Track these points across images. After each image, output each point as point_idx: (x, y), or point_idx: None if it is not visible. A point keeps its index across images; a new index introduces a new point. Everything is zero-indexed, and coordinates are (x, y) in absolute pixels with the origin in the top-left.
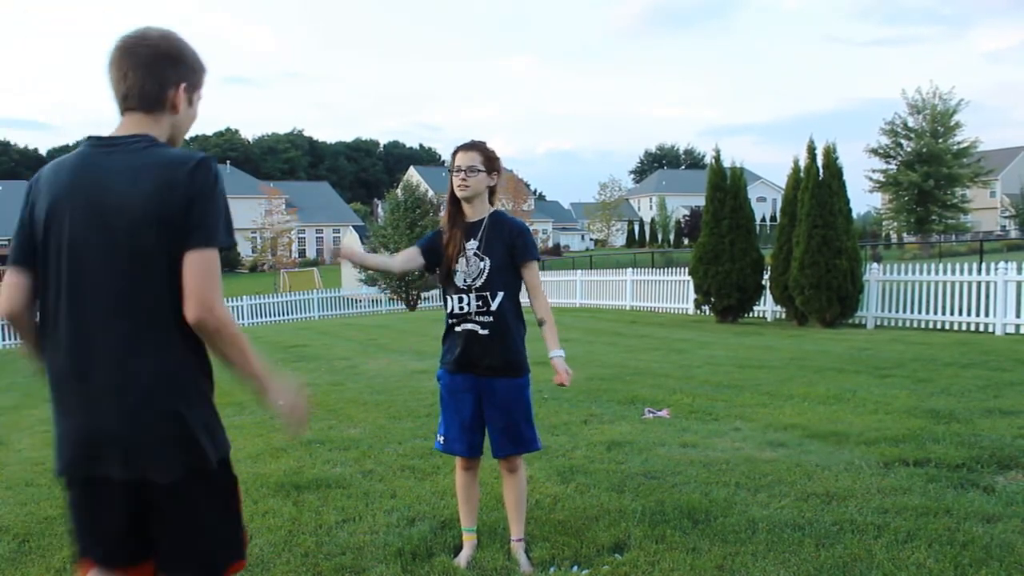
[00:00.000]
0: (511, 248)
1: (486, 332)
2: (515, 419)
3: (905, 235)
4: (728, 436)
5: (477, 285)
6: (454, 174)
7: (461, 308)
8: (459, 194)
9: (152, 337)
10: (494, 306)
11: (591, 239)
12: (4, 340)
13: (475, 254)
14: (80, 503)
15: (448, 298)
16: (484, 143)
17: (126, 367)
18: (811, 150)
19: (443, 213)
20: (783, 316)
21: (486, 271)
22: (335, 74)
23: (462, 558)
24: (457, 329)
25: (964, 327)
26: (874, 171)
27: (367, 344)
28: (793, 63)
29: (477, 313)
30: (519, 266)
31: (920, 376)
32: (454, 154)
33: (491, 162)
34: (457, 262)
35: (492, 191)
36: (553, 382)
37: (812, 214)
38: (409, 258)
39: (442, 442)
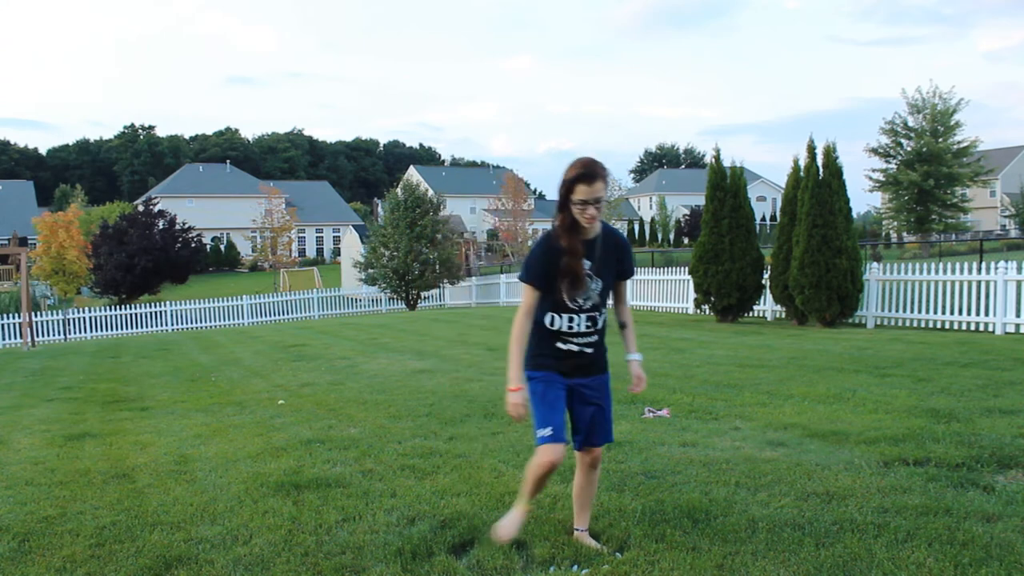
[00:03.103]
0: (619, 267)
1: (591, 351)
2: (607, 412)
3: (905, 234)
4: (728, 435)
5: (588, 306)
6: (579, 207)
7: (569, 327)
8: (587, 227)
9: None
10: (600, 324)
11: None
12: (4, 340)
13: (587, 275)
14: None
15: (552, 315)
16: (601, 165)
17: None
18: (811, 149)
19: (561, 235)
20: (783, 315)
21: (597, 292)
22: (335, 74)
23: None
24: (560, 346)
25: (964, 326)
26: (874, 170)
27: (367, 343)
28: (794, 63)
29: (585, 334)
30: (619, 280)
31: (920, 375)
32: (574, 182)
33: (607, 182)
34: (578, 283)
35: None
36: (628, 391)
37: (812, 213)
38: (535, 304)
39: (550, 433)
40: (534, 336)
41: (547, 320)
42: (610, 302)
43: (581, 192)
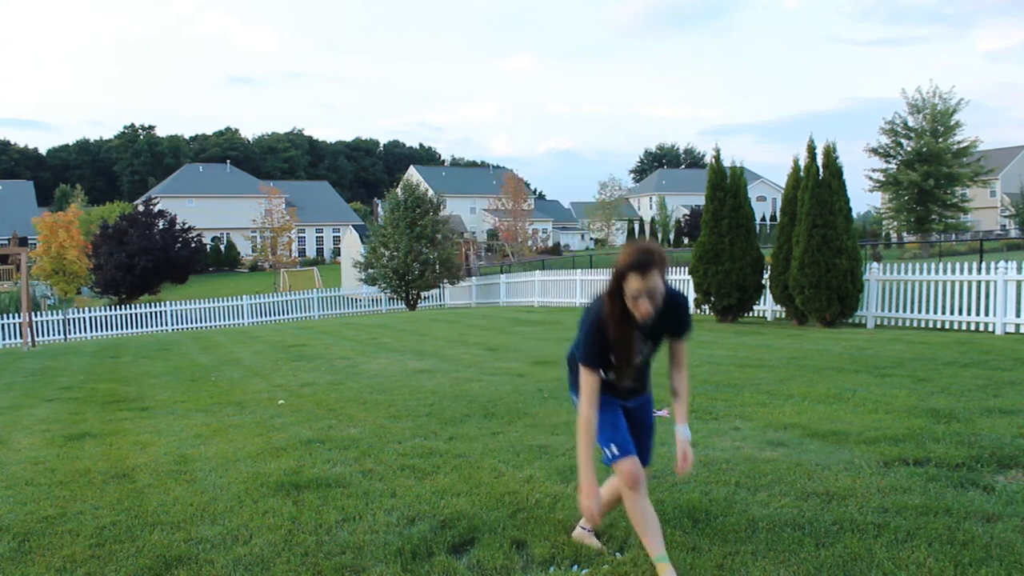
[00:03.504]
0: (673, 328)
1: (636, 384)
2: (651, 433)
3: (905, 234)
4: (728, 435)
5: (638, 361)
6: (632, 300)
7: (613, 380)
8: (643, 317)
9: None
10: (647, 372)
11: (591, 238)
12: (4, 340)
13: (639, 338)
14: None
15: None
16: (658, 253)
17: None
18: (811, 149)
19: (610, 325)
20: (783, 315)
21: (647, 353)
22: (335, 74)
23: None
24: (609, 391)
25: (964, 326)
26: (874, 170)
27: (367, 343)
28: (794, 63)
29: (632, 391)
30: (674, 339)
31: (920, 375)
32: (625, 271)
33: (665, 270)
34: (632, 354)
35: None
36: (674, 469)
37: (812, 213)
38: (598, 387)
39: (616, 451)
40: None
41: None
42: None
43: (634, 283)
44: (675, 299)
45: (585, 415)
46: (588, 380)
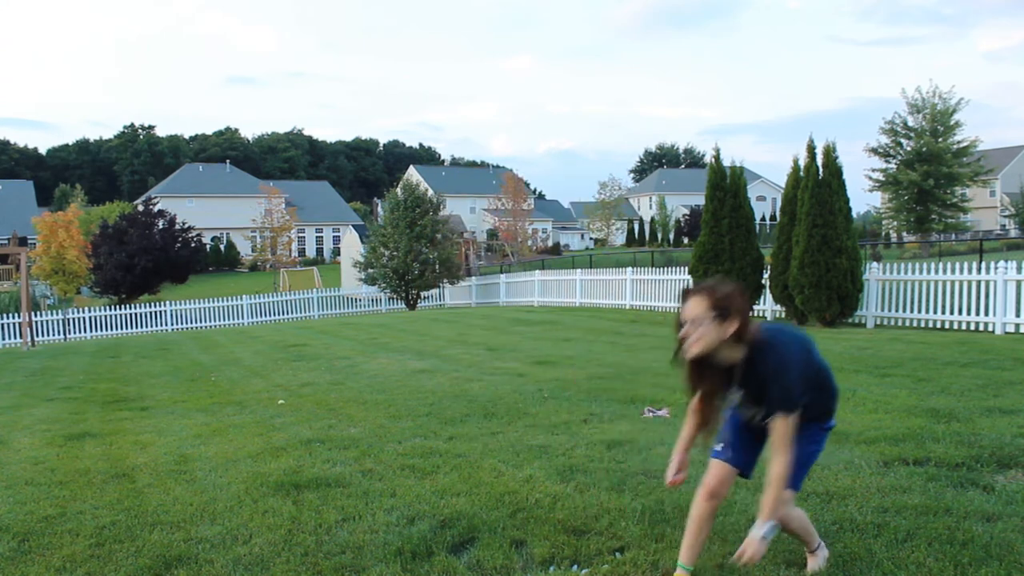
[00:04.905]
0: (764, 391)
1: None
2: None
3: (905, 234)
4: None
5: (757, 419)
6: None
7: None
8: (689, 354)
9: None
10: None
11: (591, 238)
12: (4, 340)
13: (741, 401)
14: None
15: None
16: (713, 287)
17: None
18: (811, 149)
19: (685, 372)
20: (783, 315)
21: (762, 412)
22: (335, 74)
23: None
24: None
25: (964, 326)
26: (874, 170)
27: (367, 343)
28: (794, 63)
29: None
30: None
31: (920, 375)
32: (683, 299)
33: (724, 308)
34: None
35: (739, 335)
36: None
37: (812, 213)
38: (697, 407)
39: (719, 448)
40: None
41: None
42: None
43: (681, 312)
44: (769, 361)
45: (688, 414)
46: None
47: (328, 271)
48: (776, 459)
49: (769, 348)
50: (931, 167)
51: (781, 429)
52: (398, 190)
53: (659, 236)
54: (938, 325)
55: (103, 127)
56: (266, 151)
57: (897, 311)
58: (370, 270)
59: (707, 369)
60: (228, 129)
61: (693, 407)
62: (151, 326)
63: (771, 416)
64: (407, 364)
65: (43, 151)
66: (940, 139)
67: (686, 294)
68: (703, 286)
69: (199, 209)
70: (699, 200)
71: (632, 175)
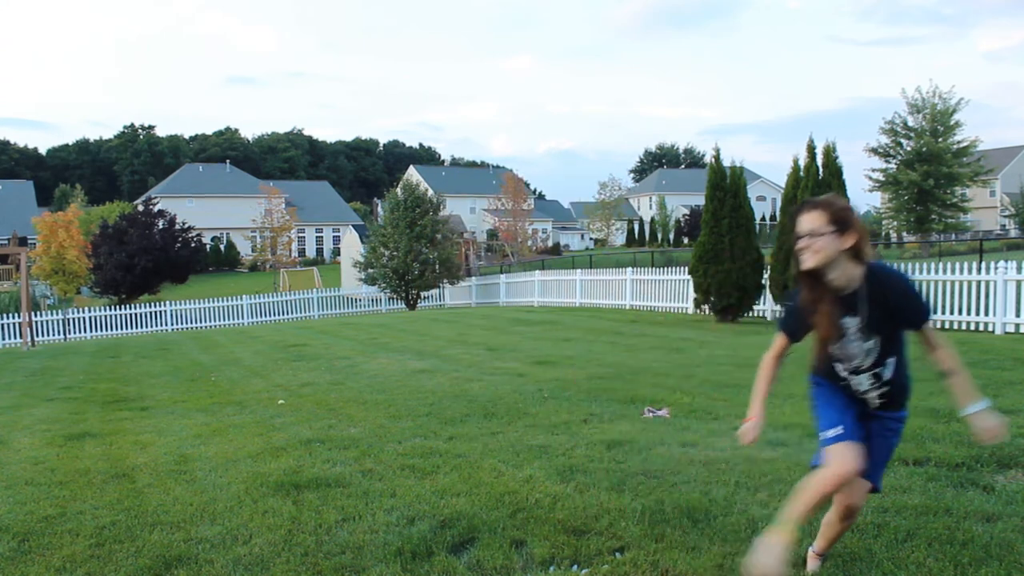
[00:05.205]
0: (900, 316)
1: (882, 400)
2: (886, 452)
3: (905, 234)
4: (728, 435)
5: (865, 366)
6: (796, 248)
7: (847, 386)
8: (804, 265)
9: None
10: (887, 376)
11: (591, 238)
12: (4, 340)
13: (858, 333)
14: None
15: (829, 368)
16: (830, 200)
17: None
18: (811, 149)
19: (800, 288)
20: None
21: (875, 351)
22: (335, 74)
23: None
24: (847, 390)
25: (964, 326)
26: (874, 170)
27: (367, 343)
28: (794, 63)
29: (870, 390)
30: (916, 331)
31: (920, 375)
32: (795, 216)
33: (842, 221)
34: (834, 345)
35: (856, 251)
36: (980, 439)
37: None
38: (783, 351)
39: (840, 432)
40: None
41: (828, 373)
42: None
43: (797, 224)
44: (895, 281)
45: (765, 363)
46: (776, 342)
47: (328, 271)
48: (945, 350)
49: (888, 269)
50: (931, 167)
51: (933, 333)
52: (398, 190)
53: (659, 236)
54: (938, 325)
55: (103, 127)
56: (266, 151)
57: None
58: (370, 270)
59: (821, 287)
60: (228, 129)
61: (772, 357)
62: (151, 326)
63: (914, 327)
64: (407, 364)
65: (43, 151)
66: (940, 139)
67: (803, 207)
68: (820, 200)
69: (199, 209)
70: (699, 200)
71: (632, 175)
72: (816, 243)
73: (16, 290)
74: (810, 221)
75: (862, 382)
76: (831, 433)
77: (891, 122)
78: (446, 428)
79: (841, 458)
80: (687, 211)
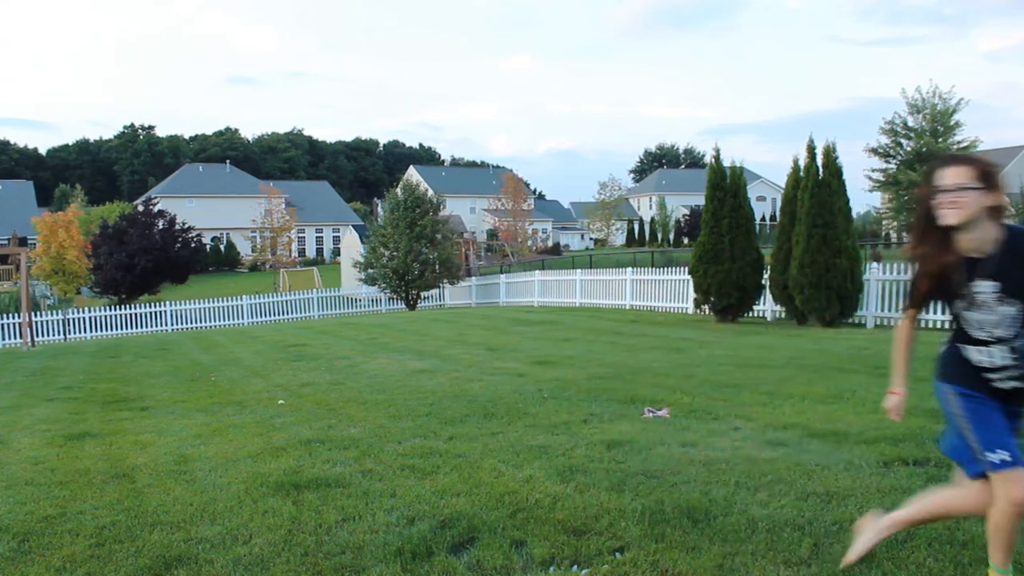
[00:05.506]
0: None
1: (1018, 384)
2: None
3: (905, 234)
4: (728, 435)
5: (1000, 336)
6: (939, 203)
7: (980, 361)
8: (947, 221)
9: None
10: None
11: (591, 238)
12: (4, 340)
13: (995, 298)
14: None
15: (961, 345)
16: (975, 159)
17: None
18: (811, 149)
19: (916, 247)
20: (783, 315)
21: (1010, 318)
22: (335, 74)
23: None
24: (984, 375)
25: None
26: (874, 170)
27: (367, 343)
28: (794, 63)
29: (1005, 367)
30: None
31: (920, 375)
32: (931, 172)
33: (989, 177)
34: (967, 309)
35: (998, 211)
36: None
37: (812, 213)
38: (912, 312)
39: (1008, 458)
40: (958, 357)
41: (961, 351)
42: None
43: (938, 178)
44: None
45: (899, 327)
46: (902, 324)
47: (328, 271)
48: None
49: (1018, 229)
50: None
51: None
52: (398, 190)
53: (659, 236)
54: (938, 325)
55: (103, 127)
56: (266, 151)
57: (897, 311)
58: (370, 270)
59: (949, 247)
60: (228, 129)
61: (905, 324)
62: (151, 326)
63: None
64: (407, 364)
65: (43, 151)
66: (940, 139)
67: (947, 161)
68: (964, 156)
69: (199, 209)
70: (699, 200)
71: (632, 175)
72: (961, 198)
73: (16, 290)
74: (956, 175)
75: (996, 356)
76: (998, 457)
77: (891, 122)
78: (446, 428)
79: (1018, 484)
80: (687, 211)
